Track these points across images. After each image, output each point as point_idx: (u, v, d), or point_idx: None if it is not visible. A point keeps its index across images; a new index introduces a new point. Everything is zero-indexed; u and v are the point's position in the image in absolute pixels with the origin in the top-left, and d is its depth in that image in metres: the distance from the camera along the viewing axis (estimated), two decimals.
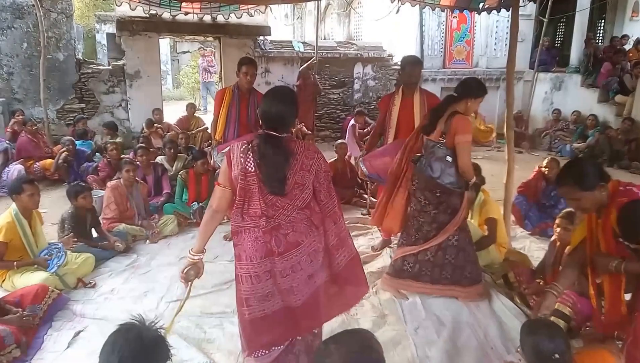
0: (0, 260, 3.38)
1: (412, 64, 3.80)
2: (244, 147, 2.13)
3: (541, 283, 3.01)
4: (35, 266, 3.48)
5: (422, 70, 10.17)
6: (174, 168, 5.79)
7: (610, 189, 2.17)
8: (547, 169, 4.67)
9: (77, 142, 6.55)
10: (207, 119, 7.98)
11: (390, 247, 4.17)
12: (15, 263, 3.42)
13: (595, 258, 2.27)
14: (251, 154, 2.10)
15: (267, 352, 2.25)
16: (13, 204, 3.48)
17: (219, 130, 4.39)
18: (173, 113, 9.34)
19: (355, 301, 2.53)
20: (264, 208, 2.09)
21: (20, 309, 2.89)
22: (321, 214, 2.22)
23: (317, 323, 2.33)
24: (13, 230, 3.40)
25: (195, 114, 8.54)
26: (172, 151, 5.90)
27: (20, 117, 6.88)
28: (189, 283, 2.25)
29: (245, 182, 2.09)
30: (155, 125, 7.65)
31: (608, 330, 2.39)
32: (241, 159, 2.10)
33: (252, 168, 2.09)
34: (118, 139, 7.39)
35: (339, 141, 6.49)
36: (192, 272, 2.23)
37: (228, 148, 2.20)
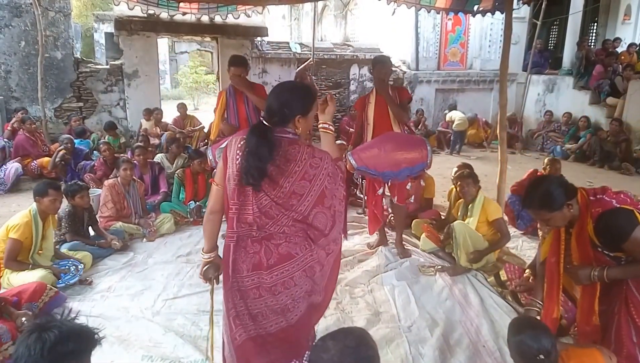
0: (15, 260, 3.39)
1: (383, 63, 3.97)
2: (241, 143, 1.88)
3: (531, 279, 3.06)
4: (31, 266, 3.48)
5: (417, 71, 10.36)
6: (174, 165, 5.85)
7: (581, 201, 2.14)
8: (547, 167, 4.70)
9: (75, 140, 6.57)
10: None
11: (386, 246, 4.24)
12: (30, 265, 3.44)
13: (572, 269, 2.23)
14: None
15: None
16: (34, 204, 3.51)
17: (214, 130, 4.50)
18: (171, 113, 9.37)
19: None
20: (257, 215, 1.84)
21: (22, 311, 2.87)
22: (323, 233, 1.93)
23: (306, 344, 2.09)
24: (29, 230, 3.42)
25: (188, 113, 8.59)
26: (175, 148, 6.01)
27: (22, 115, 6.86)
28: (212, 281, 2.14)
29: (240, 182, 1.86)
30: (154, 115, 7.73)
31: (580, 340, 2.37)
32: (237, 156, 1.86)
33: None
34: (122, 140, 7.44)
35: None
36: (211, 270, 2.12)
37: (225, 143, 1.98)
